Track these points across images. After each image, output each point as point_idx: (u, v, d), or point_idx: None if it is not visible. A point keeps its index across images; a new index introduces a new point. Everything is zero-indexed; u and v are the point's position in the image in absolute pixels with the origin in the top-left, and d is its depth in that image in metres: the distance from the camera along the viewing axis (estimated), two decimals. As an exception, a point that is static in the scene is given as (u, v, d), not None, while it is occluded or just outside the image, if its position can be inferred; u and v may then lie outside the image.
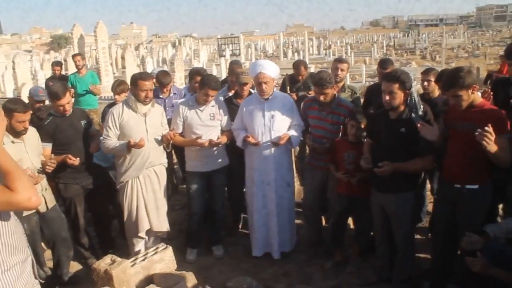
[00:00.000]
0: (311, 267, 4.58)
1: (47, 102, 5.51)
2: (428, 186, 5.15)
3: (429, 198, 5.29)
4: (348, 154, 4.28)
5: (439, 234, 3.79)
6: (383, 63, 5.28)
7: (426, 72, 4.92)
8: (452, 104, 3.41)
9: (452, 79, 3.28)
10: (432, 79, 4.74)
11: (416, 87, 5.51)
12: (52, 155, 4.34)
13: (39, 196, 2.02)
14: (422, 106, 4.02)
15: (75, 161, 4.25)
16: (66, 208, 4.64)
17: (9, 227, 2.25)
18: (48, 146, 4.36)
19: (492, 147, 3.09)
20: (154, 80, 5.53)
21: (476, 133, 3.06)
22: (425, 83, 4.83)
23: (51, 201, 4.24)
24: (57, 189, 4.51)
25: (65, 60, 18.21)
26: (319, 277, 4.39)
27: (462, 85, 3.23)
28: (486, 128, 3.03)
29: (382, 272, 4.16)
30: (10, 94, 15.32)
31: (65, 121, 4.42)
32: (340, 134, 4.57)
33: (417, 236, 4.84)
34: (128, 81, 4.83)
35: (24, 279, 2.40)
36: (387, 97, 3.63)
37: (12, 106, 3.81)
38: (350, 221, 4.95)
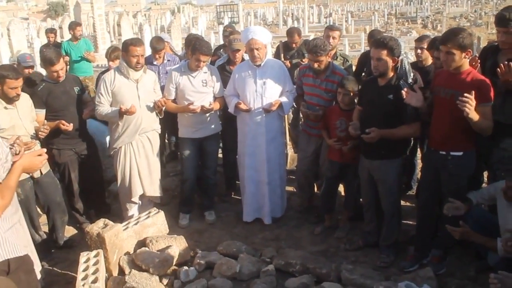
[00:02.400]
0: (301, 232, 4.67)
1: (37, 68, 5.53)
2: (419, 154, 5.19)
3: (420, 166, 5.34)
4: (340, 122, 4.30)
5: (424, 200, 3.86)
6: (372, 35, 5.26)
7: (419, 40, 4.89)
8: (442, 60, 3.39)
9: (451, 35, 3.28)
10: (426, 46, 4.72)
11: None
12: (45, 121, 4.37)
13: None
14: (412, 74, 4.03)
15: (68, 126, 4.29)
16: (60, 174, 4.71)
17: None
18: (41, 112, 4.39)
19: (474, 115, 3.12)
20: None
21: (457, 101, 3.09)
22: (419, 51, 4.80)
23: (45, 167, 4.29)
24: (51, 155, 4.56)
25: (60, 28, 17.96)
26: (308, 241, 4.49)
27: (459, 44, 3.22)
28: (466, 94, 3.06)
29: (369, 237, 4.25)
30: (6, 62, 15.19)
31: (58, 87, 4.44)
32: (334, 102, 4.59)
33: (407, 204, 4.93)
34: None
35: (22, 235, 2.55)
36: (375, 64, 3.64)
37: (4, 73, 3.83)
38: (341, 188, 5.02)
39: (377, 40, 3.74)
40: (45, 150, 2.56)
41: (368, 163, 3.96)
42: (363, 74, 5.30)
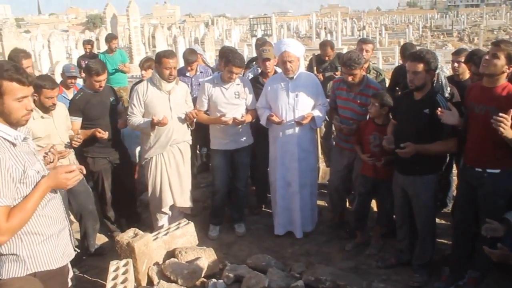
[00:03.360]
0: (332, 247, 4.59)
1: (78, 79, 5.70)
2: (455, 170, 5.04)
3: (456, 182, 5.19)
4: (374, 137, 4.22)
5: (459, 218, 3.73)
6: (405, 49, 5.14)
7: (457, 53, 4.76)
8: (483, 60, 3.29)
9: (507, 41, 3.25)
10: (463, 60, 4.60)
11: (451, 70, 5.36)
12: (79, 130, 4.45)
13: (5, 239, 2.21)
14: (449, 88, 3.93)
15: (104, 134, 4.37)
16: (94, 182, 4.79)
17: (45, 199, 2.36)
18: (78, 120, 4.49)
19: (509, 133, 3.00)
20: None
21: (492, 120, 2.98)
22: (455, 64, 4.68)
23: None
24: (86, 163, 4.66)
25: (97, 39, 18.48)
26: (339, 257, 4.40)
27: (509, 52, 3.14)
28: (501, 114, 2.94)
29: (401, 255, 4.13)
30: (45, 72, 15.70)
31: (95, 97, 4.55)
32: (368, 116, 4.52)
33: (441, 221, 4.78)
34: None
35: (61, 248, 2.50)
36: (411, 77, 3.56)
37: (40, 83, 3.93)
38: (374, 203, 4.91)
39: (413, 53, 3.66)
40: (74, 167, 2.43)
41: (403, 179, 3.86)
42: (397, 88, 5.20)
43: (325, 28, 38.26)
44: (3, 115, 2.22)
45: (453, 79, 4.58)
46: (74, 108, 4.48)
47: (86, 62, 8.64)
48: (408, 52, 4.91)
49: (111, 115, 4.63)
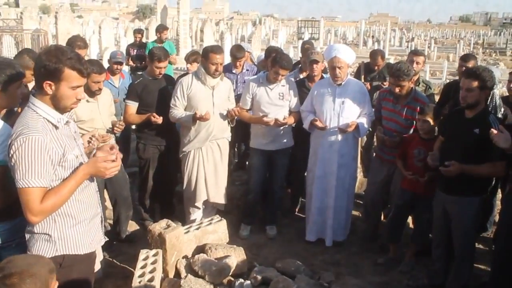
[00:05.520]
0: (362, 260, 4.49)
1: (124, 65, 5.78)
2: (499, 195, 4.84)
3: (499, 207, 4.99)
4: (418, 151, 4.11)
5: (502, 247, 3.55)
6: (465, 56, 4.98)
7: (514, 73, 4.57)
8: None
9: None
10: (521, 80, 4.40)
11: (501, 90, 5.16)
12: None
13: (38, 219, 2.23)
14: (503, 109, 3.76)
15: (158, 119, 4.41)
16: (140, 168, 4.87)
17: (82, 185, 2.36)
18: (134, 105, 4.56)
19: None
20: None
21: None
22: (512, 85, 4.49)
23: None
24: (137, 148, 4.79)
25: (146, 29, 18.84)
26: (369, 271, 4.30)
27: None
28: None
29: (435, 276, 3.98)
30: (94, 57, 16.11)
31: (153, 84, 4.62)
32: (412, 130, 4.39)
33: (480, 246, 4.61)
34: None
35: (91, 234, 2.51)
36: (464, 94, 3.42)
37: (89, 67, 3.98)
38: (409, 220, 4.78)
39: (469, 70, 3.52)
40: (114, 156, 2.38)
41: (445, 198, 3.71)
42: (446, 105, 5.03)
43: (372, 37, 37.75)
44: (53, 99, 2.25)
45: (508, 100, 4.40)
46: (132, 92, 4.57)
47: (135, 50, 8.85)
48: (467, 58, 4.75)
49: (167, 103, 4.59)
